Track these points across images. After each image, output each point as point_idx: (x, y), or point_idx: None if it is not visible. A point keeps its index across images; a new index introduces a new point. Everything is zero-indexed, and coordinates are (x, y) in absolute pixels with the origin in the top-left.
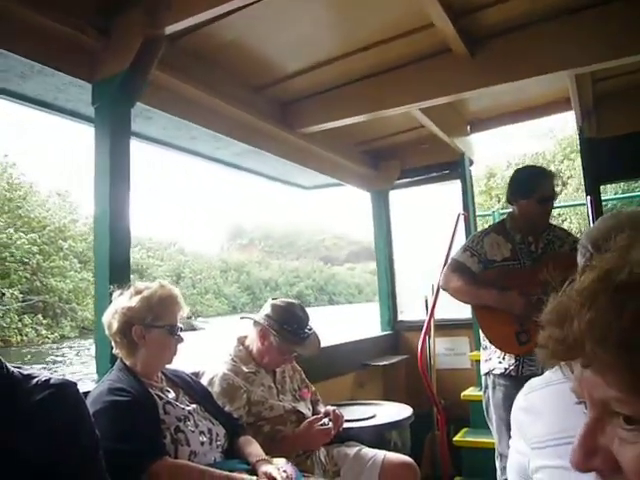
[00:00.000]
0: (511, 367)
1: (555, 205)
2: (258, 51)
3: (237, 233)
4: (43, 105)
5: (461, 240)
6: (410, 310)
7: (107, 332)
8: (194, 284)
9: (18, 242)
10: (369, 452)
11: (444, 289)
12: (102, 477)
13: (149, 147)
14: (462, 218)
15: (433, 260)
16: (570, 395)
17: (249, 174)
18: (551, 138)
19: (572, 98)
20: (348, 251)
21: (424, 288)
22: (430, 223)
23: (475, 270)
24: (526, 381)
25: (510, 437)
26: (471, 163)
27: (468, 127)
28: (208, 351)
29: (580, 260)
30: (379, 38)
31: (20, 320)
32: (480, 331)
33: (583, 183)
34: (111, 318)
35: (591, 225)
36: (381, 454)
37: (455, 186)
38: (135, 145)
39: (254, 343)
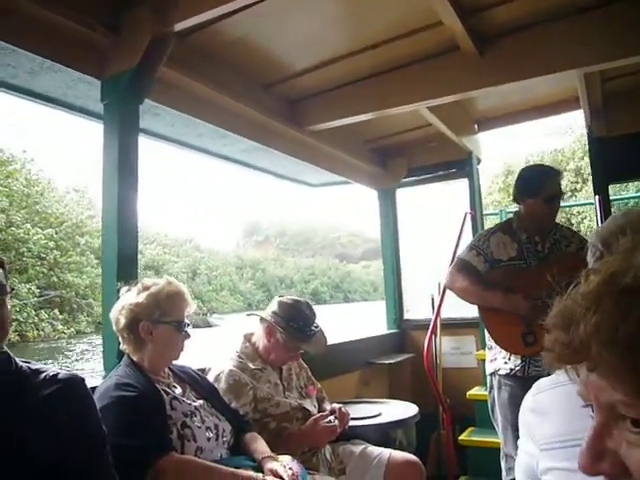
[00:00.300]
0: (517, 368)
1: (569, 204)
2: (266, 49)
3: (253, 230)
4: (52, 101)
5: (468, 239)
6: (416, 309)
7: (114, 328)
8: (210, 281)
9: (35, 237)
10: (375, 450)
11: (449, 288)
12: (109, 472)
13: (163, 145)
14: (469, 217)
15: (440, 259)
16: (578, 396)
17: (256, 171)
18: (570, 135)
19: (581, 97)
20: (364, 249)
21: (430, 287)
22: (437, 222)
23: (481, 269)
24: (532, 382)
25: (515, 438)
26: (479, 162)
27: (476, 126)
28: (223, 348)
29: (590, 259)
30: (387, 36)
31: (37, 315)
32: (485, 331)
33: (592, 182)
34: (118, 314)
35: (599, 225)
36: (387, 452)
37: (462, 185)
38: (145, 142)
39: (260, 340)
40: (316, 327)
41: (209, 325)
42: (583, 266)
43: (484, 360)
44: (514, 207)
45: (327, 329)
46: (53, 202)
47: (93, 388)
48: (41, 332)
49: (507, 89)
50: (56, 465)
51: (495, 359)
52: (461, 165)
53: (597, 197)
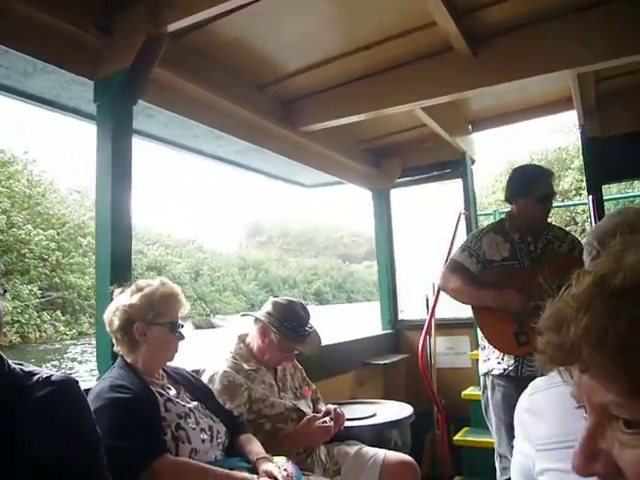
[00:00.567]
0: (510, 367)
1: (574, 202)
2: (260, 49)
3: (255, 231)
4: (45, 102)
5: (462, 239)
6: (411, 309)
7: (108, 329)
8: (213, 281)
9: (36, 238)
10: (369, 451)
11: (443, 290)
12: (103, 474)
13: (159, 146)
14: (463, 217)
15: (434, 259)
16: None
17: (250, 172)
18: (575, 133)
19: (574, 97)
20: (366, 249)
21: (425, 287)
22: (431, 222)
23: (474, 270)
24: (525, 382)
25: (510, 438)
26: (473, 162)
27: (470, 126)
28: (227, 349)
29: (586, 258)
30: (381, 36)
31: (39, 316)
32: (479, 331)
33: (585, 182)
34: (112, 315)
35: (593, 224)
36: (381, 453)
37: (457, 185)
38: (141, 144)
39: (255, 340)
40: (310, 328)
41: (212, 326)
42: (576, 266)
43: (478, 360)
44: (507, 207)
45: (330, 330)
46: (55, 203)
47: (87, 390)
48: (43, 334)
49: (501, 89)
50: (50, 467)
51: (488, 359)
52: (455, 165)
53: (590, 197)
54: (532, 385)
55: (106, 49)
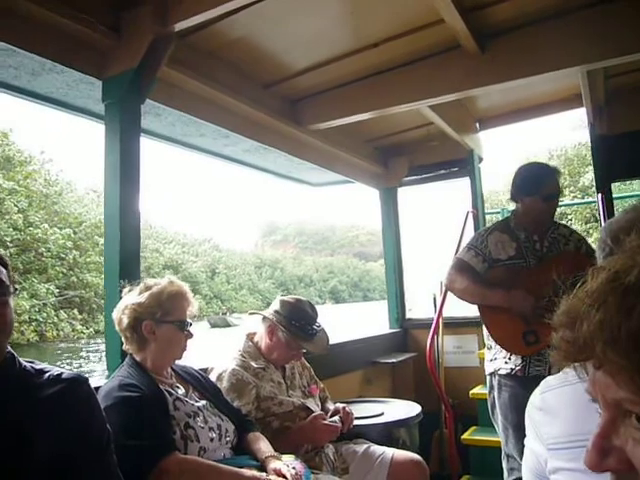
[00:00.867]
0: (517, 367)
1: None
2: (267, 48)
3: (271, 229)
4: (53, 102)
5: (470, 238)
6: (418, 308)
7: (117, 328)
8: (229, 280)
9: (52, 237)
10: (377, 450)
11: (449, 289)
12: (113, 471)
13: (165, 145)
14: (471, 216)
15: (442, 258)
16: (586, 395)
17: (257, 171)
18: None
19: (583, 94)
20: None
21: (432, 286)
22: (439, 220)
23: (479, 270)
24: (533, 381)
25: (517, 438)
26: (480, 160)
27: (477, 124)
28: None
29: (599, 255)
30: (388, 35)
31: (56, 315)
32: (484, 330)
33: (595, 180)
34: (121, 314)
35: (603, 223)
36: (389, 452)
37: (464, 183)
38: (147, 143)
39: (263, 339)
40: (318, 326)
41: (228, 325)
42: (582, 264)
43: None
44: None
45: (345, 328)
46: (72, 202)
47: (96, 388)
48: (60, 332)
49: (509, 87)
50: (61, 464)
51: (495, 359)
52: (463, 164)
53: (600, 195)
54: (544, 383)
55: (114, 48)
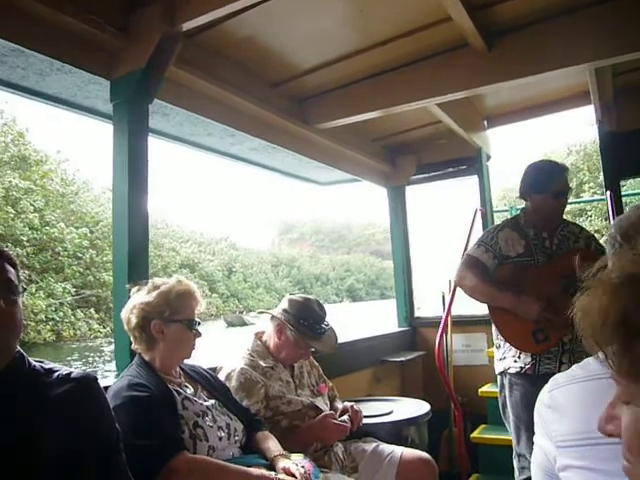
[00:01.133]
0: (527, 366)
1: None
2: (274, 47)
3: (288, 228)
4: (61, 102)
5: (478, 236)
6: (427, 306)
7: (126, 327)
8: (245, 278)
9: (69, 236)
10: (386, 448)
11: (459, 286)
12: (123, 470)
13: (173, 145)
14: (479, 214)
15: (450, 256)
16: (594, 393)
17: (265, 170)
18: None
19: (591, 92)
20: None
21: (441, 284)
22: (447, 219)
23: (490, 266)
24: (543, 379)
25: (528, 437)
26: (488, 158)
27: (485, 122)
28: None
29: (609, 251)
30: (395, 33)
31: (73, 314)
32: (493, 329)
33: (603, 178)
34: (129, 313)
35: (612, 221)
36: (398, 450)
37: (472, 181)
38: (155, 142)
39: (271, 338)
40: (327, 325)
41: (244, 323)
42: (592, 262)
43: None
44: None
45: (361, 326)
46: (88, 202)
47: (105, 387)
48: (77, 331)
49: (517, 84)
50: (70, 463)
51: (504, 358)
52: (471, 162)
53: (608, 192)
54: (552, 381)
55: (122, 49)
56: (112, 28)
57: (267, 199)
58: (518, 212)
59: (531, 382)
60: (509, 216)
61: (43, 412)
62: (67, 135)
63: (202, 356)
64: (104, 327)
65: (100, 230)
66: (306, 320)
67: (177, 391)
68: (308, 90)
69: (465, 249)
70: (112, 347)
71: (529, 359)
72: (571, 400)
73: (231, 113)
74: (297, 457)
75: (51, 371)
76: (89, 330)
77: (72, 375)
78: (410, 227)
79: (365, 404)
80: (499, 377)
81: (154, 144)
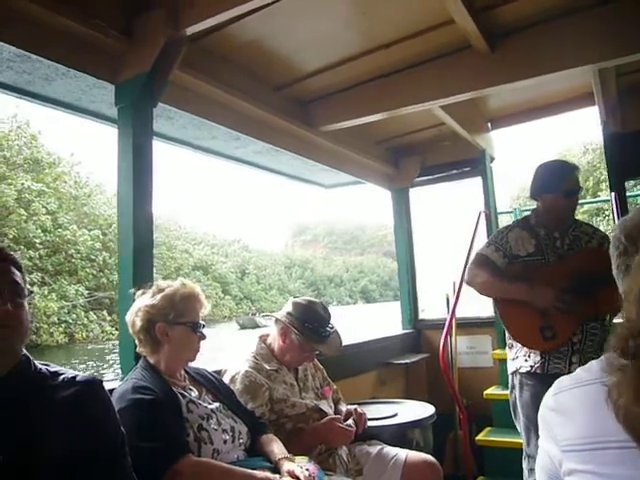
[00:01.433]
0: (537, 364)
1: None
2: (278, 50)
3: (301, 229)
4: (66, 107)
5: (482, 238)
6: (431, 308)
7: (130, 330)
8: (259, 280)
9: (81, 239)
10: (391, 451)
11: (470, 284)
12: (128, 473)
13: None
14: (483, 216)
15: (454, 258)
16: (598, 397)
17: (269, 173)
18: None
19: (595, 93)
20: None
21: (445, 286)
22: (451, 221)
23: (500, 265)
24: (552, 379)
25: (538, 438)
26: (492, 160)
27: (489, 124)
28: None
29: (613, 252)
30: (399, 36)
31: (86, 316)
32: (505, 329)
33: (608, 179)
34: (134, 316)
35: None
36: (403, 453)
37: (476, 183)
38: (159, 146)
39: (276, 341)
40: (331, 328)
41: (257, 325)
42: (605, 262)
43: (500, 359)
44: (529, 206)
45: (374, 327)
46: (101, 204)
47: (110, 391)
48: (90, 333)
49: (520, 86)
50: (75, 466)
51: (517, 357)
52: (474, 164)
53: (613, 194)
54: (557, 384)
55: (126, 53)
56: (117, 32)
57: (279, 201)
58: (525, 213)
59: (541, 381)
60: (513, 218)
61: (49, 415)
62: (80, 138)
63: (215, 358)
64: (116, 329)
65: (113, 232)
66: (310, 323)
67: (182, 394)
68: (312, 93)
69: (469, 251)
70: None
71: (538, 357)
72: (576, 403)
73: (235, 116)
74: (301, 460)
75: (56, 374)
76: (102, 332)
77: (77, 378)
78: (414, 229)
79: (369, 407)
80: (510, 377)
81: (159, 148)
